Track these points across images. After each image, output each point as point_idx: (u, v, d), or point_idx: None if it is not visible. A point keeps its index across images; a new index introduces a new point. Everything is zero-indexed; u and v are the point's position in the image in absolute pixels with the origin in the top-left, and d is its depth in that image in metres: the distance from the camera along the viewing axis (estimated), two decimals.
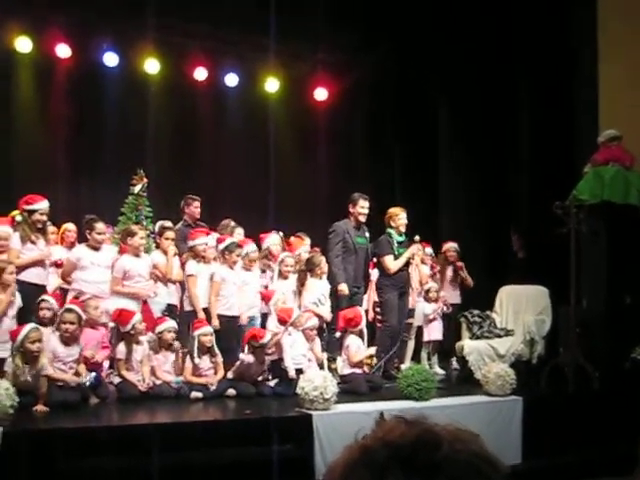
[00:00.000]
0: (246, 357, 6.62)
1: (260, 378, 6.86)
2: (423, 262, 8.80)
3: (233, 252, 7.26)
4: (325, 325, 7.50)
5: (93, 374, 6.08)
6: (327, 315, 7.40)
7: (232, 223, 8.29)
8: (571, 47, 9.13)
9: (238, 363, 6.64)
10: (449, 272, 8.97)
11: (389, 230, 7.79)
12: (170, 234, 7.53)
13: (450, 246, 9.00)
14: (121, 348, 6.39)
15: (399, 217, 7.77)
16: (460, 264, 8.91)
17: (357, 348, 6.92)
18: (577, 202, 7.30)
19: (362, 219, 7.83)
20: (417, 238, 7.82)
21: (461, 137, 10.74)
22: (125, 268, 6.94)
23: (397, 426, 0.92)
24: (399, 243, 7.71)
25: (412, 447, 0.87)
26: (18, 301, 6.22)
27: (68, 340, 5.99)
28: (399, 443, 0.88)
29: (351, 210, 7.81)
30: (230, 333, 7.07)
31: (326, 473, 0.94)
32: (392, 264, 7.65)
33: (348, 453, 0.91)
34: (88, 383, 5.93)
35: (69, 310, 6.08)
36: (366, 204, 7.81)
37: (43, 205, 6.69)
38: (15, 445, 4.59)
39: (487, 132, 10.22)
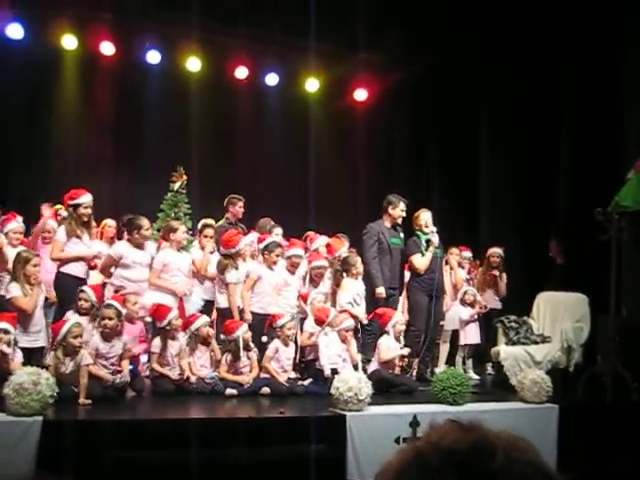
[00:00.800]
0: (272, 343, 6.76)
1: (293, 375, 6.90)
2: (460, 265, 8.75)
3: (273, 252, 7.29)
4: (360, 326, 7.49)
5: (130, 367, 6.18)
6: (362, 316, 7.40)
7: (271, 222, 8.33)
8: (617, 51, 8.96)
9: (267, 351, 6.74)
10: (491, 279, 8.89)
11: (417, 232, 7.78)
12: (209, 231, 7.60)
13: (494, 251, 8.90)
14: (156, 342, 6.47)
15: (420, 217, 7.75)
16: (497, 273, 8.82)
17: (387, 348, 6.93)
18: (619, 209, 7.16)
19: (400, 221, 7.82)
20: (433, 229, 7.70)
21: (502, 141, 10.65)
22: (165, 261, 7.01)
23: (451, 431, 0.91)
24: (427, 242, 7.65)
25: (467, 454, 0.86)
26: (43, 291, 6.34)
27: (108, 336, 6.08)
28: (453, 448, 0.87)
29: (390, 212, 7.78)
30: (262, 331, 7.12)
31: (378, 475, 0.93)
32: (419, 262, 7.62)
33: (401, 456, 0.91)
34: (123, 381, 5.99)
35: (108, 306, 6.16)
36: (404, 206, 7.80)
37: (87, 199, 6.79)
38: (54, 435, 4.68)
39: (529, 137, 10.09)
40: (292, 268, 7.47)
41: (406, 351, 7.09)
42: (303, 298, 7.45)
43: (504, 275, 8.90)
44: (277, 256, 7.31)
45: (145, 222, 7.03)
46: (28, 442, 4.62)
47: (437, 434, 0.91)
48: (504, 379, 7.39)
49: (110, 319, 6.06)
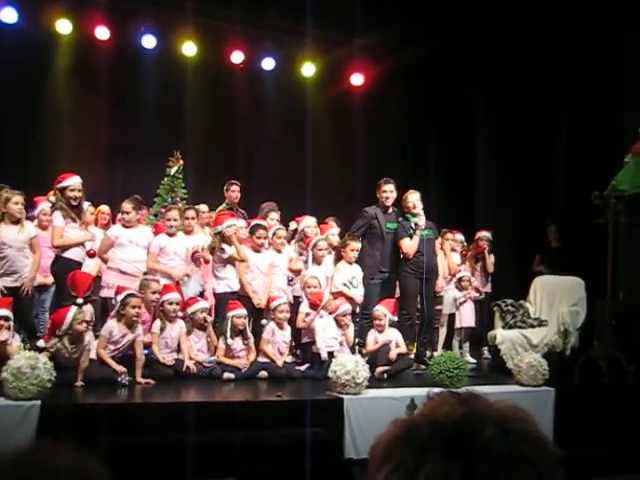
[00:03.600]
0: (268, 325, 6.81)
1: (290, 360, 6.91)
2: (453, 250, 8.73)
3: (254, 234, 7.31)
4: (358, 309, 7.49)
5: (145, 352, 6.16)
6: (358, 298, 7.39)
7: (272, 205, 8.29)
8: (613, 36, 8.93)
9: (264, 334, 6.78)
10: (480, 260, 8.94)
11: (405, 214, 7.73)
12: (190, 213, 7.50)
13: (483, 235, 8.95)
14: (157, 323, 6.50)
15: (408, 199, 7.66)
16: (484, 247, 8.84)
17: (374, 343, 6.99)
18: (616, 192, 7.17)
19: (388, 203, 7.77)
20: (420, 211, 7.58)
21: (499, 125, 10.62)
22: (161, 245, 7.02)
23: (445, 402, 0.90)
24: (415, 224, 7.59)
25: (455, 427, 0.84)
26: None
27: (129, 324, 6.07)
28: (443, 422, 0.85)
29: (377, 195, 7.84)
30: (256, 316, 7.15)
31: (372, 447, 0.92)
32: (407, 245, 7.55)
33: (393, 428, 0.90)
34: (127, 382, 5.89)
35: (131, 295, 6.12)
36: (389, 187, 7.75)
37: (73, 181, 6.62)
38: (53, 419, 4.69)
39: (525, 121, 10.07)
40: (278, 242, 7.52)
41: (384, 339, 6.99)
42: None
43: (492, 255, 8.93)
44: (259, 238, 7.30)
45: (124, 204, 7.01)
46: (26, 426, 4.63)
47: (430, 406, 0.90)
48: (501, 363, 7.42)
49: (133, 307, 6.04)
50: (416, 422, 0.88)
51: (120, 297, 6.13)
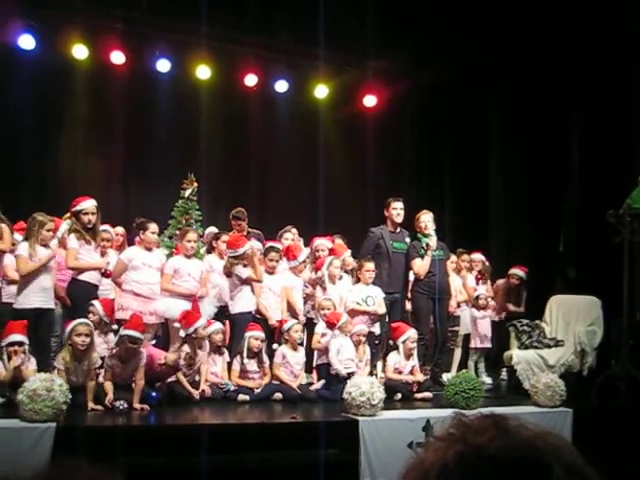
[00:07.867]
0: (279, 349, 6.78)
1: (304, 382, 6.89)
2: (468, 270, 8.66)
3: (266, 256, 7.37)
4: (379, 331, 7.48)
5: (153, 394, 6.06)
6: (379, 310, 7.35)
7: (288, 227, 8.32)
8: (626, 54, 8.92)
9: (275, 358, 6.75)
10: (512, 294, 8.82)
11: (417, 234, 7.72)
12: (225, 237, 7.65)
13: (514, 272, 8.77)
14: (185, 349, 6.35)
15: (421, 219, 7.67)
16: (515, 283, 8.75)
17: (393, 367, 6.94)
18: (631, 211, 7.14)
19: (398, 220, 7.75)
20: (432, 232, 7.59)
21: (512, 145, 10.60)
22: (175, 266, 7.04)
23: (489, 431, 0.85)
24: (427, 245, 7.57)
25: (520, 465, 0.82)
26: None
27: (125, 359, 5.92)
28: (503, 459, 0.82)
29: (386, 214, 7.81)
30: (268, 336, 7.13)
31: (408, 471, 0.87)
32: (418, 266, 7.55)
33: (438, 455, 0.85)
34: (125, 408, 5.66)
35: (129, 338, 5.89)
36: (399, 205, 7.75)
37: (88, 204, 6.69)
38: (68, 441, 4.70)
39: (539, 140, 10.05)
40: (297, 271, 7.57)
41: (416, 378, 6.91)
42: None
43: (524, 293, 8.84)
44: (271, 260, 7.35)
45: (153, 225, 7.03)
46: (42, 448, 4.64)
47: (475, 434, 0.85)
48: (517, 383, 7.36)
49: (129, 346, 5.87)
50: (465, 453, 0.84)
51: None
